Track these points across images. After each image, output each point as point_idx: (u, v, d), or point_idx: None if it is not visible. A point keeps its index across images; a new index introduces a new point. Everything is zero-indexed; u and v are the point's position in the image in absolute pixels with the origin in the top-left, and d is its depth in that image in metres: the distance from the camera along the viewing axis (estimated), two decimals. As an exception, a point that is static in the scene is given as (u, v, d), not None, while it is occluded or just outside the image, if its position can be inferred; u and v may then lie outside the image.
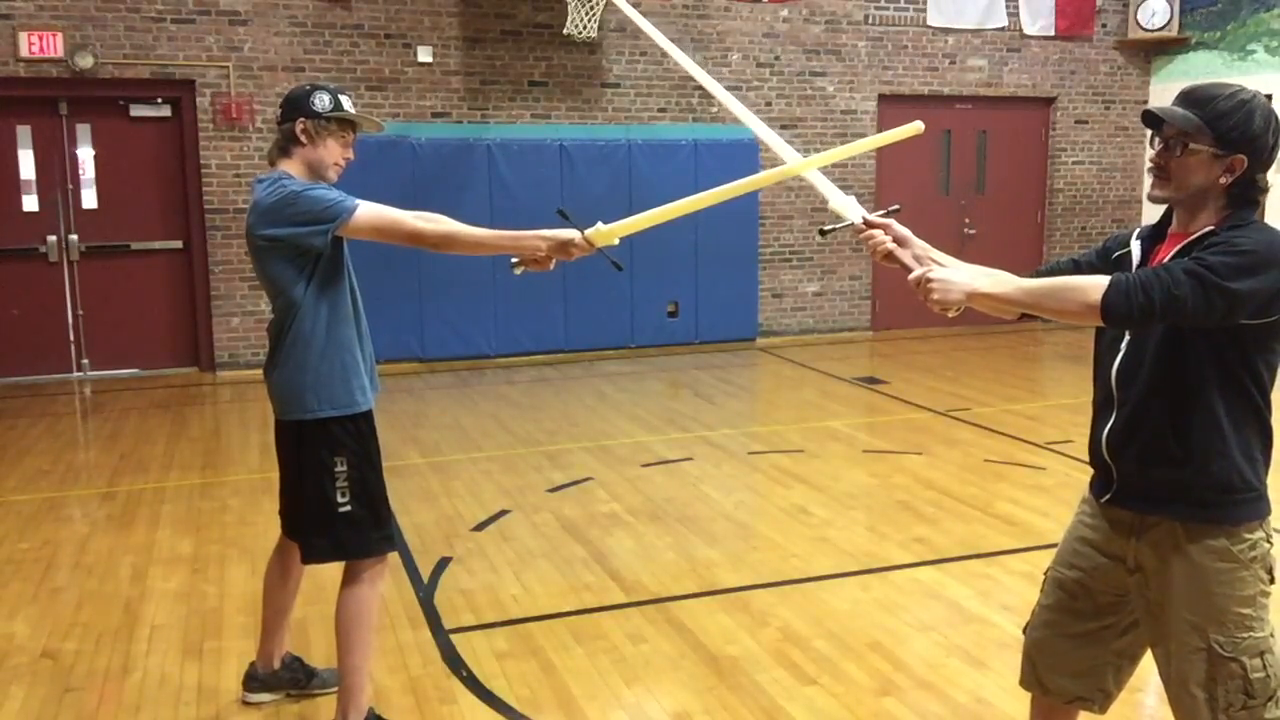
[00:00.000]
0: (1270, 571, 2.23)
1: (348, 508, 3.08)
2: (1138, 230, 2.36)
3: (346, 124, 3.14)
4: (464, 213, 3.18)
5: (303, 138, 3.08)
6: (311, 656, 3.65)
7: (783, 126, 10.35)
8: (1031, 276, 2.34)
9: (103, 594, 4.36)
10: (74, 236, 8.77)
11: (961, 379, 8.66)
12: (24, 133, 8.61)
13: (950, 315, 2.31)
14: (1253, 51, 10.50)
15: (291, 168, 3.09)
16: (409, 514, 5.26)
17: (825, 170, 2.70)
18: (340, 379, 3.07)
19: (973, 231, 11.26)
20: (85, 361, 8.94)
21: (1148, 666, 3.70)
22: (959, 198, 11.24)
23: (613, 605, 4.21)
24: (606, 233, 3.03)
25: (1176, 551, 2.20)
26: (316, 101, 3.08)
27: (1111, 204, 11.77)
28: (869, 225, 2.50)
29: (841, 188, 2.73)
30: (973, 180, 11.29)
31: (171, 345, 9.16)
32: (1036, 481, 5.80)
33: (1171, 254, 2.18)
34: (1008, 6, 10.93)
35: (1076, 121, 11.47)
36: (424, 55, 9.24)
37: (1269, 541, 2.22)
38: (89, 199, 8.81)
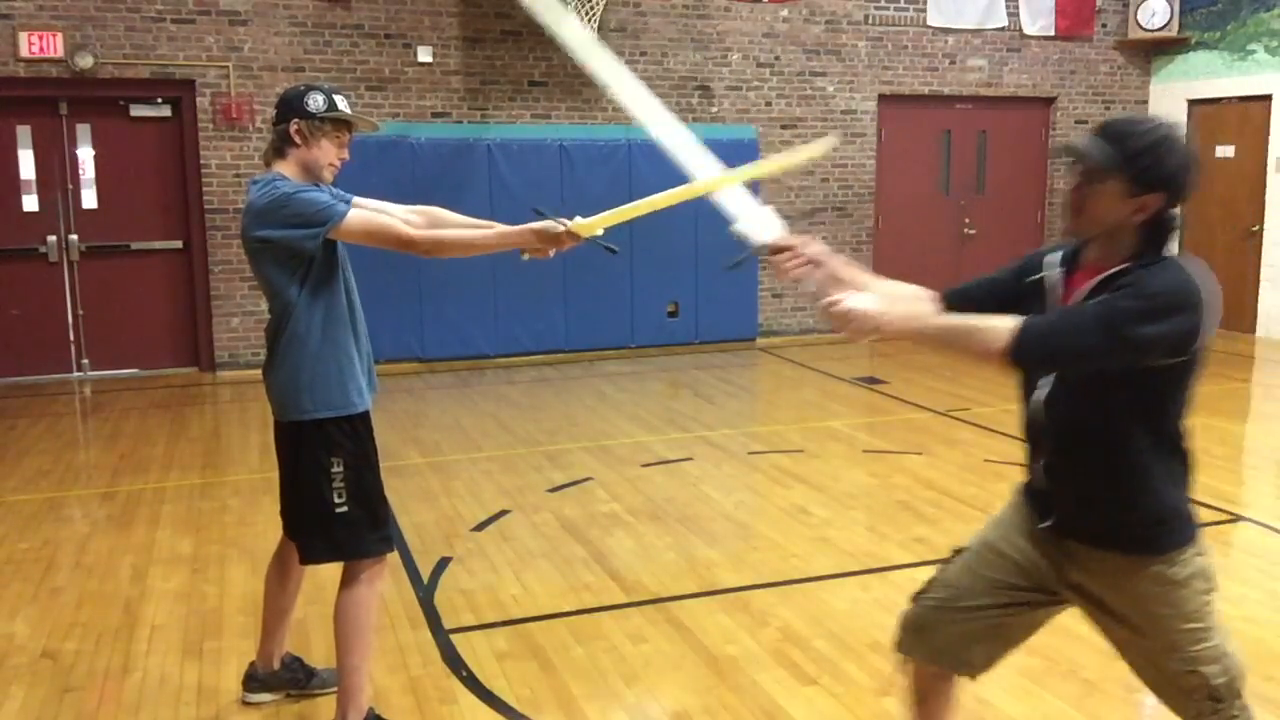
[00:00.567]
0: (1209, 580, 2.28)
1: (344, 508, 3.08)
2: (1059, 252, 2.33)
3: (341, 124, 3.12)
4: (464, 213, 3.17)
5: (297, 139, 3.06)
6: (311, 656, 3.65)
7: (783, 126, 10.36)
8: (950, 294, 2.40)
9: (103, 594, 4.36)
10: (74, 236, 8.77)
11: (961, 379, 8.66)
12: (24, 133, 8.61)
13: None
14: (1253, 51, 10.49)
15: (286, 169, 3.08)
16: (409, 514, 5.26)
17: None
18: (336, 380, 3.07)
19: (973, 231, 11.26)
20: (85, 361, 8.94)
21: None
22: (959, 198, 11.24)
23: (613, 605, 4.21)
24: (588, 225, 3.04)
25: (1118, 580, 2.27)
26: (311, 102, 3.06)
27: (1111, 204, 11.75)
28: (774, 251, 2.40)
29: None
30: (973, 180, 11.29)
31: (171, 345, 9.16)
32: (1036, 481, 5.79)
33: (1087, 289, 2.17)
34: (1008, 6, 10.93)
35: (1076, 121, 11.47)
36: (424, 55, 9.24)
37: (1203, 555, 2.27)
38: (89, 199, 8.81)
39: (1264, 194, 10.45)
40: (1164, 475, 2.21)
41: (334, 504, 3.07)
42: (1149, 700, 3.49)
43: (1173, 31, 11.10)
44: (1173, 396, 2.18)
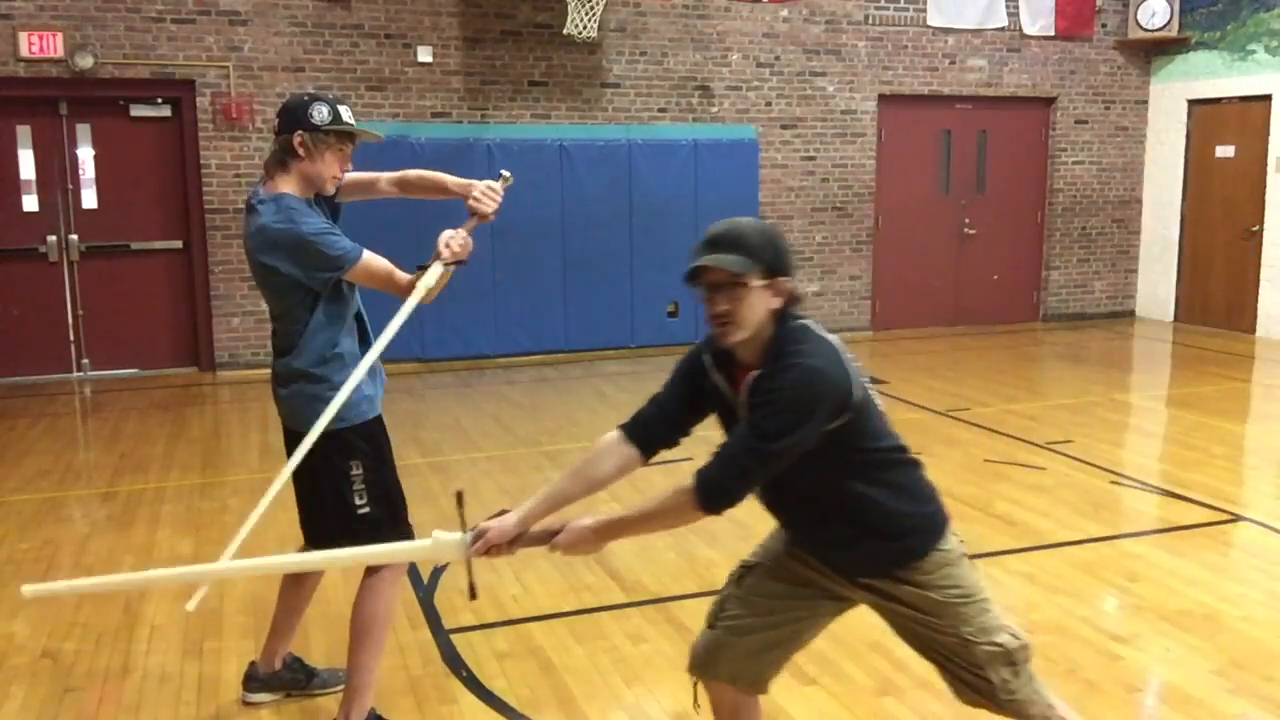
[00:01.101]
0: (971, 559, 2.48)
1: (366, 509, 3.09)
2: (708, 354, 2.45)
3: (345, 136, 3.07)
4: (464, 213, 3.16)
5: (300, 151, 3.01)
6: (312, 656, 3.65)
7: (783, 126, 10.36)
8: (631, 428, 2.57)
9: (103, 594, 4.36)
10: (74, 236, 8.77)
11: (961, 379, 8.66)
12: (24, 133, 8.62)
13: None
14: (1253, 51, 10.50)
15: (289, 184, 3.04)
16: (409, 514, 5.25)
17: None
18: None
19: (973, 231, 11.26)
20: (85, 361, 8.94)
21: (1148, 666, 3.71)
22: (959, 198, 11.24)
23: (613, 605, 4.21)
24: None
25: (896, 584, 2.41)
26: (315, 114, 3.01)
27: (1111, 204, 11.77)
28: (484, 551, 2.55)
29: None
30: (973, 180, 11.28)
31: (171, 345, 9.16)
32: (1036, 481, 5.80)
33: (745, 390, 2.31)
34: (1008, 6, 10.93)
35: (1076, 121, 11.47)
36: (424, 55, 9.24)
37: (959, 537, 2.47)
38: (89, 199, 8.81)
39: (1264, 194, 10.46)
40: (893, 496, 2.37)
41: (356, 506, 3.08)
42: (1149, 700, 3.50)
43: (1173, 31, 11.11)
44: (862, 435, 2.33)
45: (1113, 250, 11.86)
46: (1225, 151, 10.89)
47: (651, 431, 2.55)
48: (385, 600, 3.15)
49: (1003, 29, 10.97)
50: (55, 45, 8.33)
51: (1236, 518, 5.24)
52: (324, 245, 2.95)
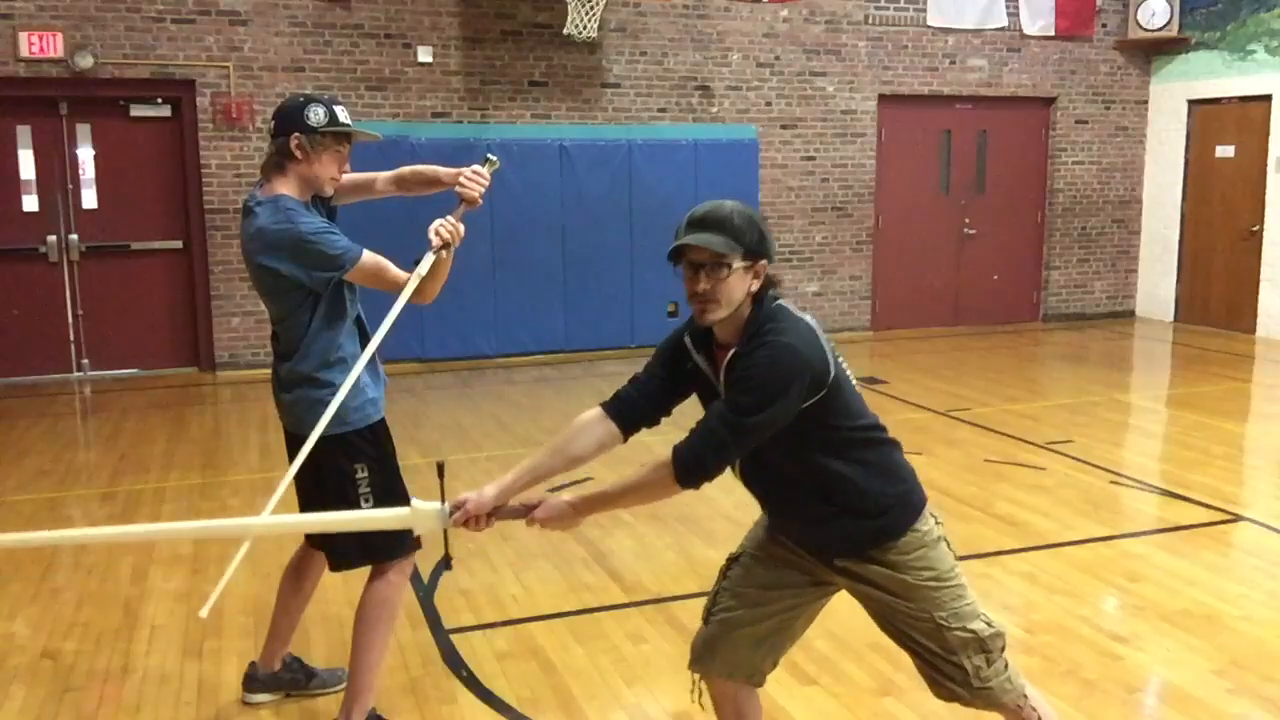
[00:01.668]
0: (950, 544, 2.50)
1: None
2: (687, 336, 2.51)
3: (343, 137, 3.06)
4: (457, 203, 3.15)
5: (298, 153, 3.00)
6: (312, 657, 3.66)
7: (783, 126, 10.36)
8: (612, 406, 2.59)
9: (103, 594, 4.36)
10: (74, 236, 8.77)
11: (961, 379, 8.66)
12: (24, 133, 8.62)
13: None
14: (1253, 51, 10.49)
15: (287, 186, 3.03)
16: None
17: None
18: (353, 394, 3.04)
19: (972, 231, 11.26)
20: (85, 361, 8.94)
21: (1148, 666, 3.71)
22: (959, 198, 11.24)
23: (613, 605, 4.21)
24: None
25: (872, 564, 2.43)
26: (311, 115, 2.99)
27: (1111, 204, 11.77)
28: (462, 522, 2.50)
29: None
30: (973, 180, 11.28)
31: (171, 345, 9.16)
32: (1036, 481, 5.80)
33: (724, 368, 2.36)
34: (1008, 6, 10.93)
35: (1076, 121, 11.47)
36: (424, 55, 9.24)
37: (938, 521, 2.50)
38: (89, 199, 8.81)
39: (1264, 194, 10.46)
40: (869, 475, 2.40)
41: (362, 509, 3.06)
42: (1149, 700, 3.50)
43: (1173, 31, 11.10)
44: (837, 413, 2.37)
45: (1113, 250, 11.86)
46: (1225, 151, 10.89)
47: (632, 409, 2.58)
48: (392, 601, 3.15)
49: (1003, 29, 10.97)
50: (55, 45, 8.33)
51: (1236, 518, 5.24)
52: (324, 244, 2.94)
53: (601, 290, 9.80)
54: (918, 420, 7.24)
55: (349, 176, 3.28)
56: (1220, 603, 4.19)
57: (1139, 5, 11.20)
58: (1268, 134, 10.36)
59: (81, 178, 8.77)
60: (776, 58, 10.27)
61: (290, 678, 3.47)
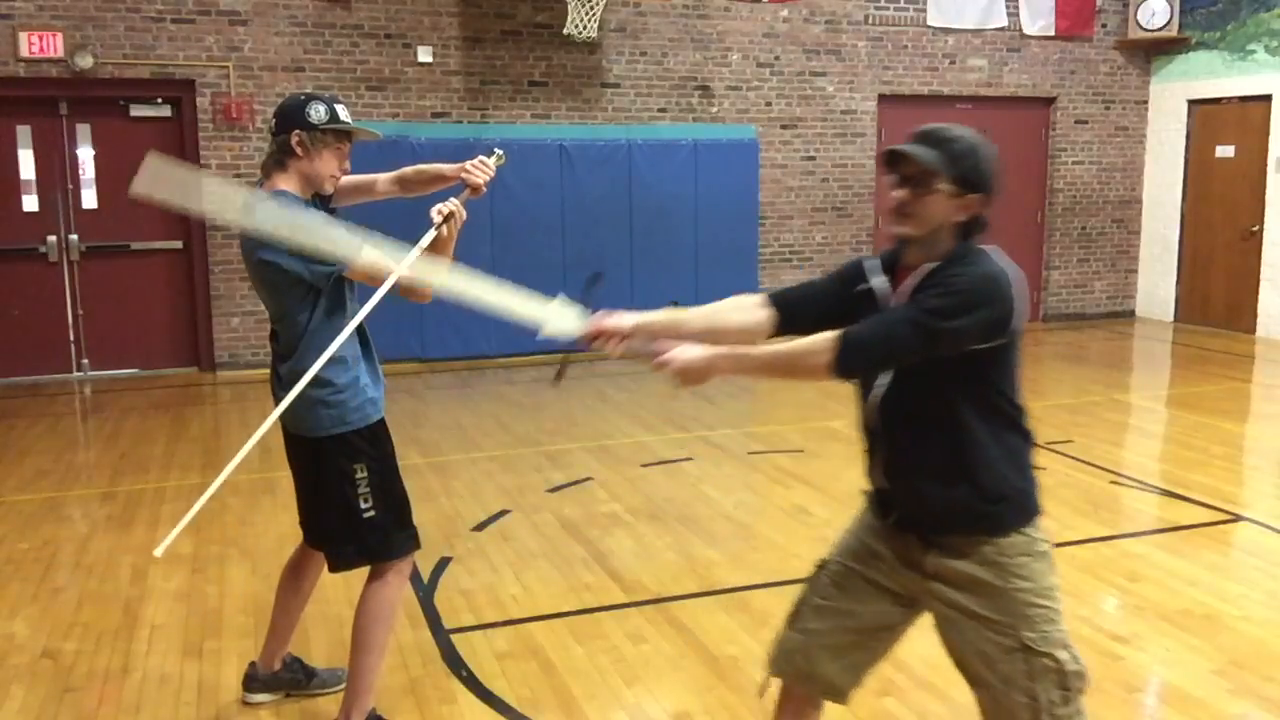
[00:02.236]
0: (1055, 566, 2.32)
1: (371, 512, 3.08)
2: (878, 259, 2.40)
3: (343, 135, 3.06)
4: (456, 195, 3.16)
5: (298, 150, 3.01)
6: (312, 657, 3.66)
7: (783, 126, 10.36)
8: (773, 295, 2.45)
9: (103, 594, 4.36)
10: (74, 236, 8.77)
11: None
12: (24, 133, 8.62)
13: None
14: (1253, 51, 10.50)
15: (288, 183, 3.04)
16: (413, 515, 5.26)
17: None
18: (352, 394, 3.05)
19: (973, 231, 11.25)
20: (85, 361, 8.94)
21: (1148, 666, 3.70)
22: (959, 198, 11.23)
23: (613, 605, 4.21)
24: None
25: (969, 561, 2.27)
26: (312, 113, 3.00)
27: (1111, 204, 11.77)
28: (590, 339, 2.46)
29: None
30: (973, 180, 11.26)
31: (171, 345, 9.16)
32: (1036, 481, 5.79)
33: (908, 290, 2.25)
34: (1008, 6, 10.93)
35: (1076, 121, 11.47)
36: (424, 55, 9.24)
37: (1047, 539, 2.32)
38: (89, 199, 8.81)
39: (1264, 194, 10.46)
40: (1001, 454, 2.26)
41: (361, 509, 3.06)
42: (1149, 700, 3.50)
43: (1173, 31, 11.10)
44: (999, 375, 2.25)
45: (1113, 250, 11.86)
46: (1225, 151, 10.89)
47: (791, 306, 2.46)
48: (390, 602, 3.15)
49: (1003, 29, 10.97)
50: (55, 45, 8.34)
51: (1236, 518, 5.24)
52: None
53: (602, 290, 9.77)
54: (918, 420, 7.23)
55: (350, 178, 3.28)
56: (1220, 603, 4.19)
57: (1139, 5, 11.20)
58: (1268, 134, 10.36)
59: (81, 178, 8.77)
60: (776, 58, 10.27)
61: (290, 678, 3.47)
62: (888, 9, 10.56)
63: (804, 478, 5.89)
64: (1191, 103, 11.18)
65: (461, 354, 9.47)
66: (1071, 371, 9.19)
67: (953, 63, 10.86)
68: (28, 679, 3.63)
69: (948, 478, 2.26)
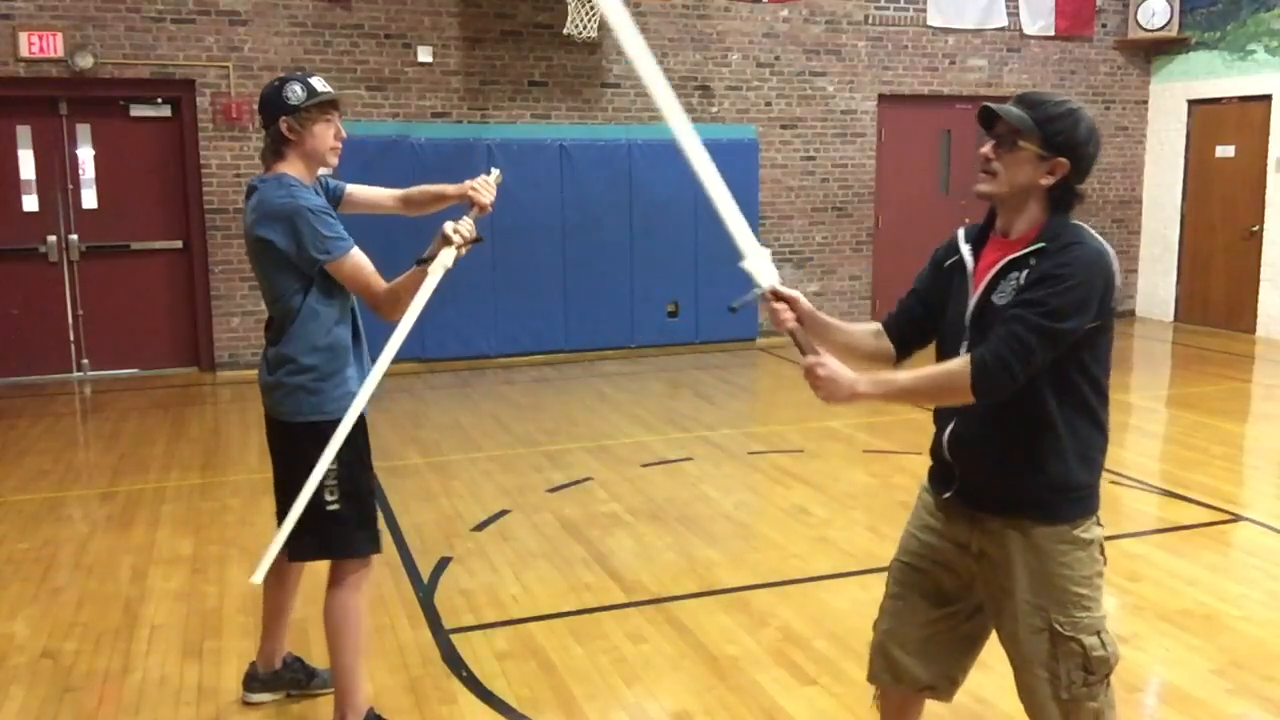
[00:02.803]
0: (1103, 551, 2.35)
1: (336, 506, 3.06)
2: (964, 233, 2.44)
3: (328, 105, 3.09)
4: (462, 213, 3.16)
5: (290, 135, 3.04)
6: (311, 657, 3.65)
7: (783, 126, 10.36)
8: (889, 322, 2.52)
9: (103, 594, 4.36)
10: (74, 236, 8.77)
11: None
12: (24, 133, 8.62)
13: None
14: (1253, 51, 10.50)
15: (291, 168, 3.06)
16: (409, 514, 5.26)
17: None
18: (334, 384, 3.06)
19: (973, 231, 11.25)
20: (85, 361, 8.94)
21: (1148, 666, 3.71)
22: (959, 198, 11.22)
23: (613, 605, 4.21)
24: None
25: (1017, 541, 2.30)
26: (290, 95, 3.02)
27: (1111, 204, 11.77)
28: (777, 297, 2.47)
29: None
30: (973, 180, 11.24)
31: (171, 345, 9.16)
32: (1036, 481, 5.79)
33: (997, 268, 2.27)
34: (1008, 6, 10.94)
35: (1076, 121, 11.46)
36: (424, 55, 9.24)
37: (1101, 525, 2.34)
38: (89, 199, 8.81)
39: (1264, 194, 10.46)
40: (1076, 446, 2.25)
41: (326, 502, 3.04)
42: (1149, 700, 3.50)
43: (1173, 31, 11.11)
44: (1090, 356, 2.24)
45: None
46: (1225, 151, 10.89)
47: (899, 330, 2.53)
48: (350, 606, 3.13)
49: (1003, 29, 10.97)
50: (55, 45, 8.33)
51: (1236, 518, 5.24)
52: (320, 223, 2.96)
53: (601, 290, 9.79)
54: (918, 420, 7.21)
55: (363, 191, 3.36)
56: (1220, 603, 4.19)
57: (1139, 5, 11.20)
58: (1268, 134, 10.36)
59: (81, 178, 8.77)
60: (776, 58, 10.27)
61: (291, 677, 3.47)
62: (888, 9, 10.56)
63: (804, 478, 5.89)
64: (1191, 103, 11.18)
65: (461, 354, 9.47)
66: (1071, 371, 9.18)
67: (953, 63, 10.86)
68: (28, 679, 3.63)
69: (1014, 460, 2.28)
